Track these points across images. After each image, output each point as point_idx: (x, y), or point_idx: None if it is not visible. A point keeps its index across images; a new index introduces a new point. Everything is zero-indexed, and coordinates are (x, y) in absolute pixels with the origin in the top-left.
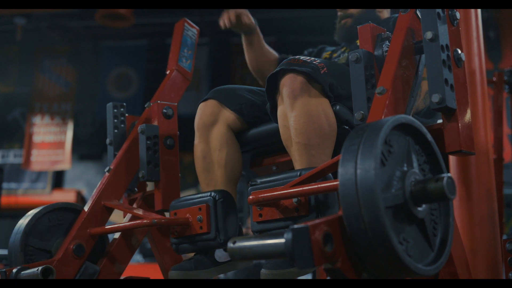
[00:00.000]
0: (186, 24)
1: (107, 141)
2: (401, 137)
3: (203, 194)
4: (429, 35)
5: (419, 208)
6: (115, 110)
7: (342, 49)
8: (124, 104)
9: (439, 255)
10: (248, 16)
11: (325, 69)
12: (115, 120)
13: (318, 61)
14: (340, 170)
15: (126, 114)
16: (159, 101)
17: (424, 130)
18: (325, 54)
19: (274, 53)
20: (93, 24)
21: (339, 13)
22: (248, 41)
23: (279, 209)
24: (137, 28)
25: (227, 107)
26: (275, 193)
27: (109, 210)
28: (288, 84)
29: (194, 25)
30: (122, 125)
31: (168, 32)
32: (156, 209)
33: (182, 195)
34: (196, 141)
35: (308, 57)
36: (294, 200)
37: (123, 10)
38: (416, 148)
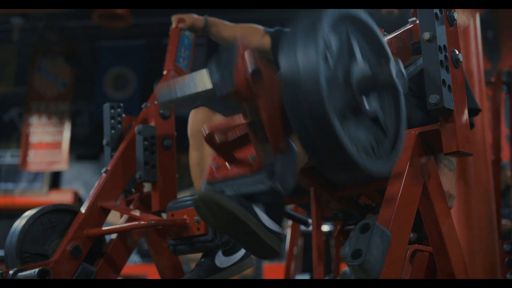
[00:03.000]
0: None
1: (104, 141)
2: (341, 30)
3: None
4: (426, 35)
5: (368, 101)
6: (112, 111)
7: None
8: (121, 104)
9: (394, 145)
10: (183, 20)
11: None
12: (112, 121)
13: None
14: (281, 59)
15: (123, 115)
16: (156, 102)
17: (371, 21)
18: None
19: (252, 28)
20: (91, 24)
21: None
22: (210, 36)
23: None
24: (135, 28)
25: (218, 113)
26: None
27: (106, 211)
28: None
29: None
30: (119, 126)
31: (166, 32)
32: (153, 210)
33: (179, 196)
34: (191, 148)
35: None
36: (251, 157)
37: (120, 10)
38: (359, 40)
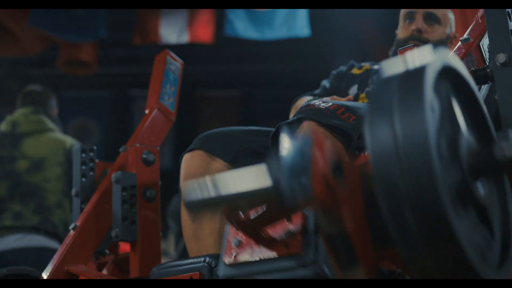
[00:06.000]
0: (168, 56)
1: (73, 192)
2: (444, 88)
3: (195, 260)
4: (501, 58)
5: (480, 186)
6: (83, 155)
7: None
8: (95, 148)
9: (505, 252)
10: None
11: (353, 117)
12: (83, 167)
13: (343, 109)
14: (368, 134)
15: (97, 160)
16: (138, 144)
17: (469, 77)
18: (365, 66)
19: None
20: (53, 72)
21: (406, 33)
22: None
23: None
24: (99, 78)
25: (217, 157)
26: None
27: (74, 277)
28: (307, 129)
29: (177, 58)
30: (92, 173)
31: (132, 83)
32: (131, 277)
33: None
34: (183, 201)
35: (330, 103)
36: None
37: (86, 56)
38: (460, 104)
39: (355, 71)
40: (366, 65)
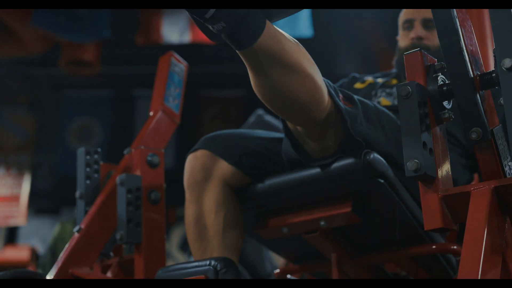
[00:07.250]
0: (172, 58)
1: (77, 194)
2: None
3: (201, 263)
4: (507, 63)
5: None
6: (88, 157)
7: (393, 81)
8: (99, 150)
9: None
10: None
11: (349, 105)
12: (88, 169)
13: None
14: None
15: (101, 162)
16: (143, 147)
17: None
18: (368, 80)
19: None
20: (56, 72)
21: (406, 42)
22: None
23: None
24: (102, 78)
25: (222, 159)
26: None
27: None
28: None
29: (181, 59)
30: (96, 175)
31: (135, 83)
32: (136, 279)
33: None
34: (187, 202)
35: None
36: None
37: (88, 56)
38: None
39: (357, 85)
40: (369, 79)
